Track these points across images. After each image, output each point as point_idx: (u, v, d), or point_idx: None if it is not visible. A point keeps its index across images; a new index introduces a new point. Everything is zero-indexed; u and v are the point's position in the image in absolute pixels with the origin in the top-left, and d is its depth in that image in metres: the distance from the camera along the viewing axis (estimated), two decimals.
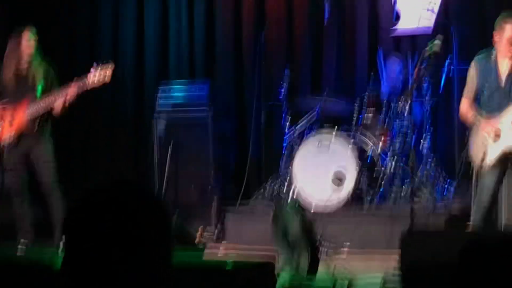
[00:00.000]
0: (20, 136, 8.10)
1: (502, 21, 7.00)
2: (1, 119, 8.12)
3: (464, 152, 8.03)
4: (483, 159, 7.04)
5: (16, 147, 8.11)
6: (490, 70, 7.04)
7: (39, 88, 8.09)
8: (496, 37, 7.00)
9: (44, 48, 8.31)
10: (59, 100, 7.91)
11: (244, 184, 9.40)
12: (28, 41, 8.10)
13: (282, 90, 9.34)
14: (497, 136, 6.91)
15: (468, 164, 7.93)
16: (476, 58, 7.19)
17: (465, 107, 7.18)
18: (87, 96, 8.28)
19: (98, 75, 7.95)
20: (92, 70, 8.01)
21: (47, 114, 8.13)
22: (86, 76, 7.96)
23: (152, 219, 1.88)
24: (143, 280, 1.85)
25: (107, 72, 7.97)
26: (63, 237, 1.91)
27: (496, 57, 7.04)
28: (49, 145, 8.20)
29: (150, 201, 1.91)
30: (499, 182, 7.05)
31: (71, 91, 7.89)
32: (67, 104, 7.94)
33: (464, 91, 7.24)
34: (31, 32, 8.14)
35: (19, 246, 8.25)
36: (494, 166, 6.99)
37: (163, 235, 1.90)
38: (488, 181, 7.07)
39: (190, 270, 5.51)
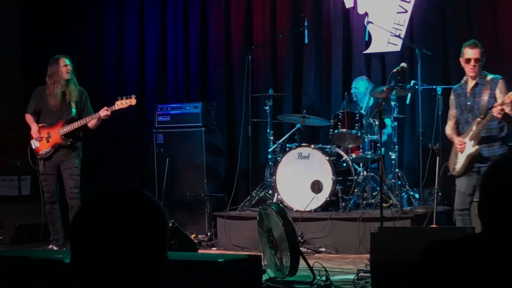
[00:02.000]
0: (56, 149, 8.40)
1: (463, 48, 7.17)
2: (40, 136, 8.40)
3: (428, 163, 8.10)
4: (454, 168, 7.19)
5: (51, 158, 8.43)
6: (461, 91, 7.23)
7: (74, 110, 8.41)
8: (461, 61, 7.15)
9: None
10: (93, 121, 8.35)
11: (233, 191, 9.39)
12: (65, 66, 8.39)
13: (267, 108, 9.36)
14: (463, 149, 7.06)
15: (431, 174, 7.98)
16: (453, 87, 7.41)
17: (446, 127, 7.39)
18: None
19: (124, 103, 8.40)
20: (119, 99, 8.44)
21: (80, 130, 8.46)
22: (114, 104, 8.39)
23: (149, 221, 1.90)
24: (140, 272, 1.86)
25: (132, 100, 8.42)
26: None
27: (467, 79, 7.17)
28: (77, 159, 8.47)
29: (148, 205, 1.92)
30: (474, 186, 7.10)
31: (103, 114, 8.31)
32: (99, 122, 8.43)
33: (448, 115, 7.43)
34: (67, 59, 8.46)
35: (50, 246, 8.49)
36: (464, 173, 7.11)
37: (159, 234, 1.92)
38: (459, 186, 7.21)
39: (187, 263, 5.52)
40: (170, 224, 7.15)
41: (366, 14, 9.81)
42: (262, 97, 9.60)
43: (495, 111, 6.77)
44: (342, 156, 9.04)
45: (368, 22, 9.61)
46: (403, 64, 7.57)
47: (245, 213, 8.97)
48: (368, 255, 6.45)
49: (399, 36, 9.57)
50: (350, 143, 9.06)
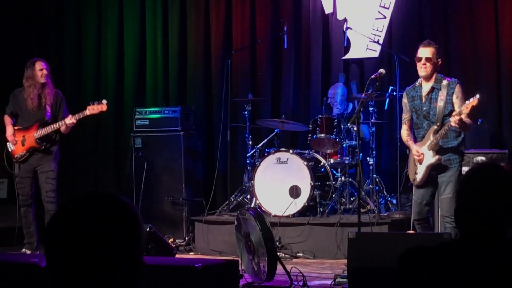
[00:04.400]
0: (31, 153, 8.37)
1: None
2: (15, 139, 8.38)
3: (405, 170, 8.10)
4: (414, 179, 7.10)
5: (26, 161, 8.40)
6: (416, 94, 7.09)
7: (48, 113, 8.38)
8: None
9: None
10: (64, 127, 8.30)
11: (211, 196, 9.37)
12: (41, 71, 8.34)
13: (246, 112, 9.35)
14: (421, 160, 6.98)
15: (408, 180, 7.99)
16: (406, 88, 7.25)
17: (402, 132, 7.29)
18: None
19: (96, 108, 8.34)
20: (90, 104, 8.38)
21: (55, 134, 8.42)
22: (86, 109, 8.33)
23: (124, 226, 1.88)
24: (116, 277, 1.84)
25: (103, 106, 8.37)
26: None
27: (421, 81, 7.08)
28: (54, 163, 8.42)
29: (123, 209, 1.91)
30: (431, 196, 7.06)
31: (69, 123, 8.26)
32: (70, 128, 8.38)
33: (402, 119, 7.30)
34: (43, 62, 8.41)
35: (24, 250, 8.42)
36: (424, 182, 7.03)
37: (134, 239, 1.90)
38: (416, 197, 7.08)
39: (164, 268, 5.48)
40: (148, 229, 7.12)
41: (345, 20, 9.84)
42: (241, 102, 9.59)
43: (453, 122, 6.59)
44: (320, 161, 9.04)
45: (347, 28, 9.63)
46: (382, 70, 7.57)
47: (223, 218, 8.95)
48: (345, 260, 6.44)
49: (377, 42, 9.60)
50: (329, 148, 9.06)
